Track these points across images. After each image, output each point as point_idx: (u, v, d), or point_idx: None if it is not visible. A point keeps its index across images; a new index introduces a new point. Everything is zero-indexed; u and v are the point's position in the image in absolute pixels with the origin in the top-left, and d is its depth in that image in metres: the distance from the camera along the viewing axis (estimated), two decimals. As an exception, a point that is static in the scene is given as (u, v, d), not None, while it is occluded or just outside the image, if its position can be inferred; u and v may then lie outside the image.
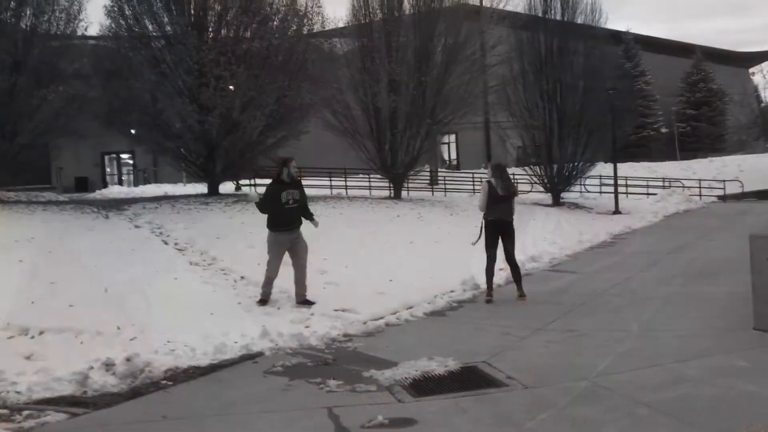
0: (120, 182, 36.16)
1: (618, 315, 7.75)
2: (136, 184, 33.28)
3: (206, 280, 9.97)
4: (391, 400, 5.23)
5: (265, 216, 8.78)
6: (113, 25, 18.98)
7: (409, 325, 7.72)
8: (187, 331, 7.29)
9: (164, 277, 9.91)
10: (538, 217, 17.65)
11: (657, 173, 32.15)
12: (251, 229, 14.06)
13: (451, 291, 9.40)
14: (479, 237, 9.00)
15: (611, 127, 20.73)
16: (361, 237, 13.78)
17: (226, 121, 18.42)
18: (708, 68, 51.12)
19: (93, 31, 19.88)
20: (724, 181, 27.87)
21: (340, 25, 21.32)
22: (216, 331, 7.27)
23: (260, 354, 6.54)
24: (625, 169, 28.50)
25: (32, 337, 7.11)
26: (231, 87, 17.41)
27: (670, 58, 52.22)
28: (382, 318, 7.89)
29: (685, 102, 50.54)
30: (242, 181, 24.41)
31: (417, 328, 7.59)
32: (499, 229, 8.88)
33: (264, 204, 8.76)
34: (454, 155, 44.79)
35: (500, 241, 8.91)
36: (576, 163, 22.12)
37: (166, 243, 12.53)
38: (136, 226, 14.11)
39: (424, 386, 5.56)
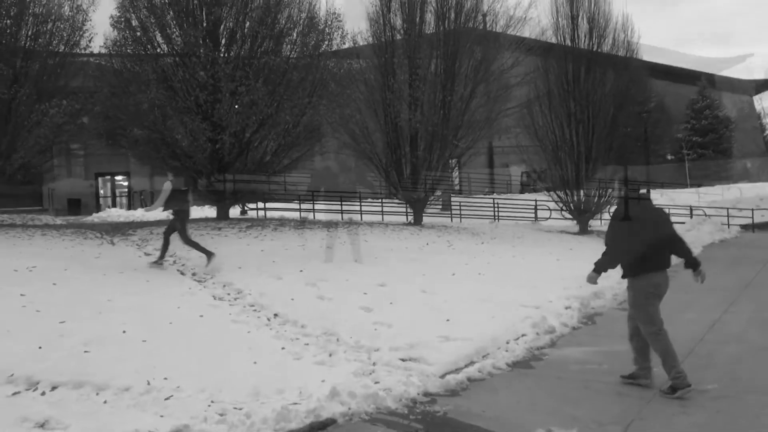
0: (114, 204, 34.77)
1: (744, 369, 6.52)
2: (132, 207, 31.86)
3: (236, 319, 8.68)
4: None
5: None
6: (119, 38, 17.68)
7: (496, 381, 6.44)
8: (230, 388, 6.01)
9: (188, 313, 8.63)
10: (574, 246, 16.44)
11: (675, 201, 31.05)
12: (273, 257, 12.82)
13: (523, 335, 8.12)
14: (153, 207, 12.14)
15: (645, 152, 19.68)
16: (394, 267, 12.52)
17: (239, 140, 17.20)
18: (713, 95, 50.68)
19: (98, 42, 18.74)
20: (753, 209, 26.83)
21: (360, 42, 20.21)
22: (268, 388, 5.99)
23: (332, 421, 5.24)
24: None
25: (43, 394, 5.81)
26: (248, 103, 16.15)
27: (674, 85, 51.70)
28: (460, 370, 6.61)
29: (690, 129, 50.00)
30: (249, 205, 23.07)
31: (507, 385, 6.30)
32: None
33: None
34: (456, 180, 43.91)
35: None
36: (604, 190, 20.95)
37: (182, 273, 11.23)
38: (146, 254, 12.80)
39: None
